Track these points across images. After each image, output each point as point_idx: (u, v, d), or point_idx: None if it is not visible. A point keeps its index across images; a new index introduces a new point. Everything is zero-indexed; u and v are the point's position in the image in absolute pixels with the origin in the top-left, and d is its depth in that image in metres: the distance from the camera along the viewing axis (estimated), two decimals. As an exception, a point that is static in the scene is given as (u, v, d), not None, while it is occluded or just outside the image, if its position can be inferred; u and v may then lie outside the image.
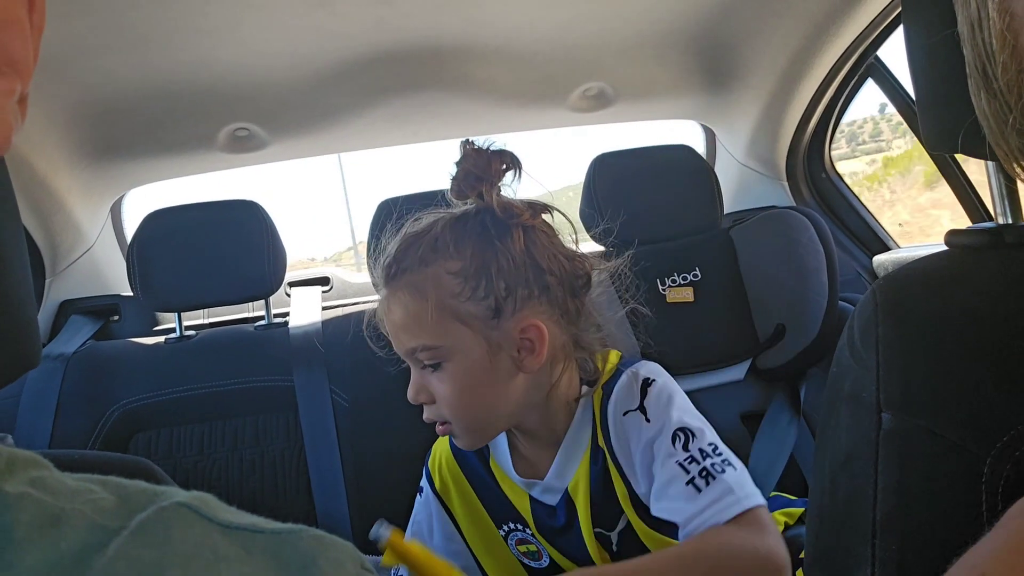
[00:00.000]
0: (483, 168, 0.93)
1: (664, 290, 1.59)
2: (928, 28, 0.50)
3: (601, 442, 0.96)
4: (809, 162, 1.98)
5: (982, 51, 0.40)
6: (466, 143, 0.95)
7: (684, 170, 1.66)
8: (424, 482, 1.11)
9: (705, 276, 1.60)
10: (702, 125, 2.14)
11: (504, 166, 0.93)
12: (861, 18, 1.46)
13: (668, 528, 0.92)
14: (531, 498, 1.02)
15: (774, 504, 1.19)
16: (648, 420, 0.93)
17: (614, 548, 0.99)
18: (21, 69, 0.28)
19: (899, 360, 0.49)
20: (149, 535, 0.28)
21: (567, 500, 0.99)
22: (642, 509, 0.95)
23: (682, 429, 0.91)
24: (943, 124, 0.51)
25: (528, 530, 1.03)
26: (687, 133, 2.20)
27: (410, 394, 0.93)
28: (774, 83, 1.76)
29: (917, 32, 0.53)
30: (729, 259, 1.64)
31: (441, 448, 1.11)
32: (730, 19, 1.60)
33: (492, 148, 0.94)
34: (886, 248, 1.88)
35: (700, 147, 2.19)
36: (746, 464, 1.25)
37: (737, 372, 1.55)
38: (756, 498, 0.84)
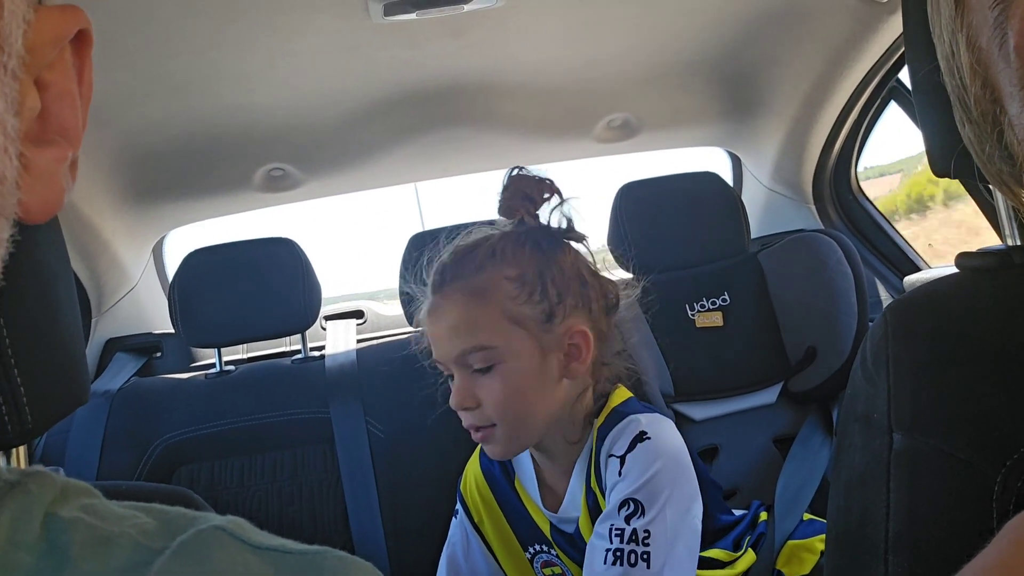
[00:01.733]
0: (532, 190, 1.01)
1: (693, 315, 1.60)
2: (923, 60, 0.51)
3: (594, 483, 0.98)
4: (836, 185, 1.98)
5: (958, 83, 0.42)
6: (514, 169, 1.02)
7: (710, 197, 1.68)
8: (458, 504, 1.14)
9: (734, 300, 1.61)
10: (728, 151, 2.15)
11: (548, 193, 1.01)
12: (880, 43, 1.47)
13: None
14: (551, 525, 1.04)
15: (807, 528, 1.19)
16: (620, 474, 0.94)
17: None
18: (72, 137, 0.31)
19: (909, 381, 0.50)
20: (189, 555, 0.31)
21: (579, 531, 1.01)
22: None
23: (634, 500, 0.91)
24: (940, 149, 0.52)
25: (553, 551, 1.04)
26: (713, 159, 2.22)
27: (455, 400, 0.96)
28: (797, 108, 1.77)
29: (915, 64, 0.55)
30: (758, 283, 1.65)
31: (472, 471, 1.14)
32: (751, 47, 1.62)
33: (539, 175, 1.02)
34: (917, 269, 1.87)
35: (726, 173, 2.21)
36: (776, 487, 1.25)
37: (769, 395, 1.54)
38: None
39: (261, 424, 1.53)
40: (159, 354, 1.92)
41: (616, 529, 0.90)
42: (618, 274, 1.67)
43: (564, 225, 1.02)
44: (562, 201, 1.02)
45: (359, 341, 1.78)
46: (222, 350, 1.67)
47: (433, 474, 1.45)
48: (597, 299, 1.01)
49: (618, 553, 0.89)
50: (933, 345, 0.51)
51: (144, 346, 1.92)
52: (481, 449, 1.19)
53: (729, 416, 1.52)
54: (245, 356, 2.05)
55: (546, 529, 1.05)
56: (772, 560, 1.10)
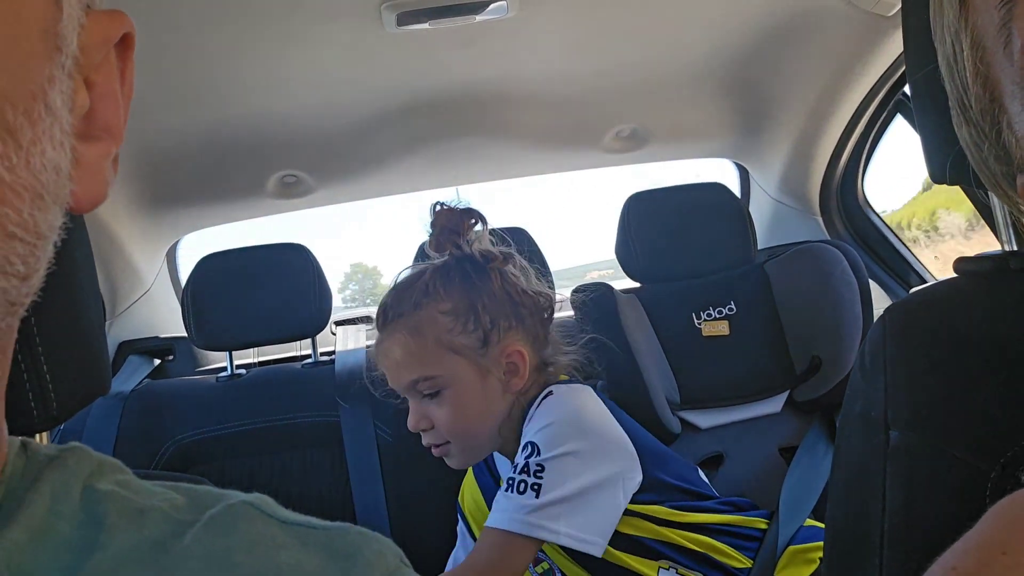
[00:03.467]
0: (456, 224, 1.11)
1: (699, 324, 1.61)
2: (920, 65, 0.53)
3: None
4: (843, 196, 1.99)
5: (958, 83, 0.43)
6: (437, 205, 1.12)
7: (717, 207, 1.70)
8: (459, 518, 1.17)
9: (740, 310, 1.62)
10: (735, 163, 2.17)
11: (473, 221, 1.12)
12: (886, 56, 1.49)
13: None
14: None
15: (808, 533, 1.19)
16: (528, 423, 1.06)
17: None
18: (115, 134, 0.34)
19: (905, 379, 0.51)
20: (219, 526, 0.33)
21: None
22: None
23: (532, 442, 1.00)
24: (937, 155, 0.54)
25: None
26: (721, 170, 2.23)
27: (411, 423, 1.06)
28: (804, 120, 1.79)
29: (914, 70, 0.56)
30: (764, 293, 1.66)
31: (468, 482, 1.18)
32: (758, 60, 1.64)
33: (461, 207, 1.13)
34: (923, 281, 1.88)
35: (734, 184, 2.22)
36: (780, 494, 1.26)
37: (774, 405, 1.56)
38: (518, 526, 0.95)
39: (271, 426, 1.55)
40: (171, 357, 1.95)
41: (514, 464, 1.01)
42: (624, 283, 1.70)
43: (486, 253, 1.11)
44: (484, 226, 1.13)
45: (369, 346, 1.80)
46: (233, 354, 1.69)
47: (440, 478, 1.46)
48: (531, 314, 1.11)
49: (510, 481, 0.99)
50: (929, 345, 0.52)
51: (157, 349, 1.94)
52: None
53: (735, 424, 1.53)
54: (256, 360, 2.07)
55: None
56: (772, 565, 1.11)
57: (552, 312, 1.15)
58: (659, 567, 1.06)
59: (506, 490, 0.99)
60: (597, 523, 0.98)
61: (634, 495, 1.04)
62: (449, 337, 1.05)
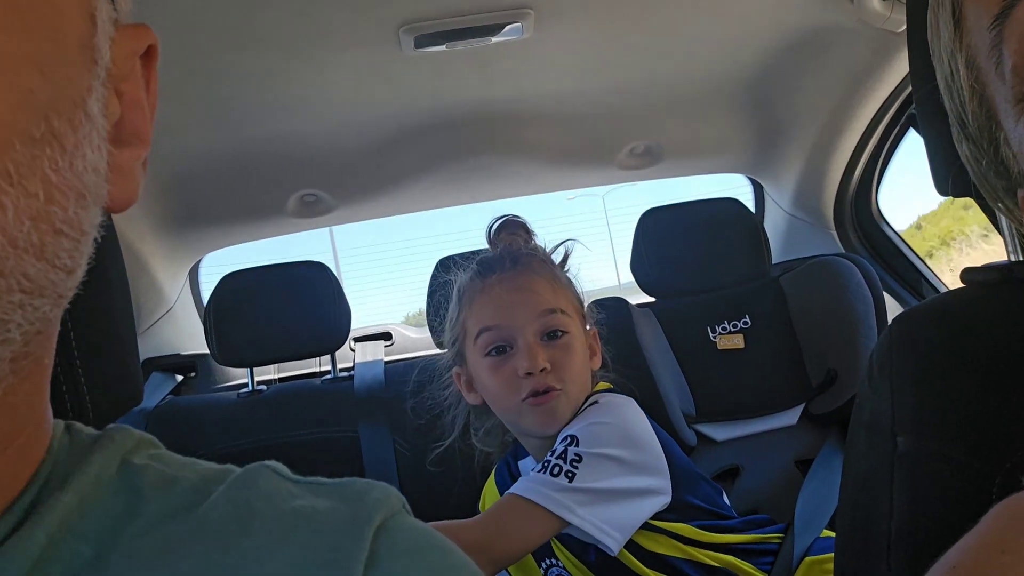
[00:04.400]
0: (525, 234, 1.24)
1: (715, 337, 1.62)
2: (924, 83, 0.55)
3: None
4: (857, 210, 2.00)
5: (956, 101, 0.45)
6: (496, 221, 1.25)
7: (731, 222, 1.71)
8: None
9: (755, 323, 1.63)
10: (749, 178, 2.18)
11: (526, 233, 1.25)
12: (898, 71, 1.50)
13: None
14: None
15: (825, 544, 1.20)
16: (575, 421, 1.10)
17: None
18: (144, 139, 0.37)
19: (912, 387, 0.53)
20: (240, 483, 0.37)
21: None
22: None
23: (573, 435, 1.05)
24: (942, 168, 0.55)
25: (561, 563, 1.08)
26: (736, 185, 2.25)
27: (529, 362, 1.08)
28: (817, 135, 1.80)
29: (918, 86, 0.58)
30: (779, 306, 1.67)
31: (489, 492, 1.18)
32: (771, 76, 1.66)
33: (516, 220, 1.26)
34: (938, 292, 1.88)
35: (748, 199, 2.23)
36: (795, 507, 1.27)
37: (790, 417, 1.56)
38: (543, 499, 0.97)
39: (292, 442, 1.57)
40: (194, 374, 1.98)
41: (552, 451, 1.04)
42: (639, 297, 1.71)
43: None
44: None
45: (387, 363, 1.82)
46: (254, 370, 1.72)
47: (460, 493, 1.48)
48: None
49: (544, 463, 1.02)
50: (935, 354, 0.53)
51: (179, 366, 1.97)
52: (496, 469, 1.23)
53: (750, 437, 1.54)
54: (276, 376, 2.10)
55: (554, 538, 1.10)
56: None
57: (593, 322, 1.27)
58: None
59: (538, 470, 1.02)
60: (620, 522, 1.00)
61: (662, 513, 1.06)
62: (572, 297, 1.19)
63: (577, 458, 1.00)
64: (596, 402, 1.12)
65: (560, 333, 1.12)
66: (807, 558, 1.16)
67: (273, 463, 0.40)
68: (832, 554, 1.15)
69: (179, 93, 1.35)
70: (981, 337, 0.53)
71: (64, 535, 0.32)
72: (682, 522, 1.08)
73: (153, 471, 0.37)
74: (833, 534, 1.23)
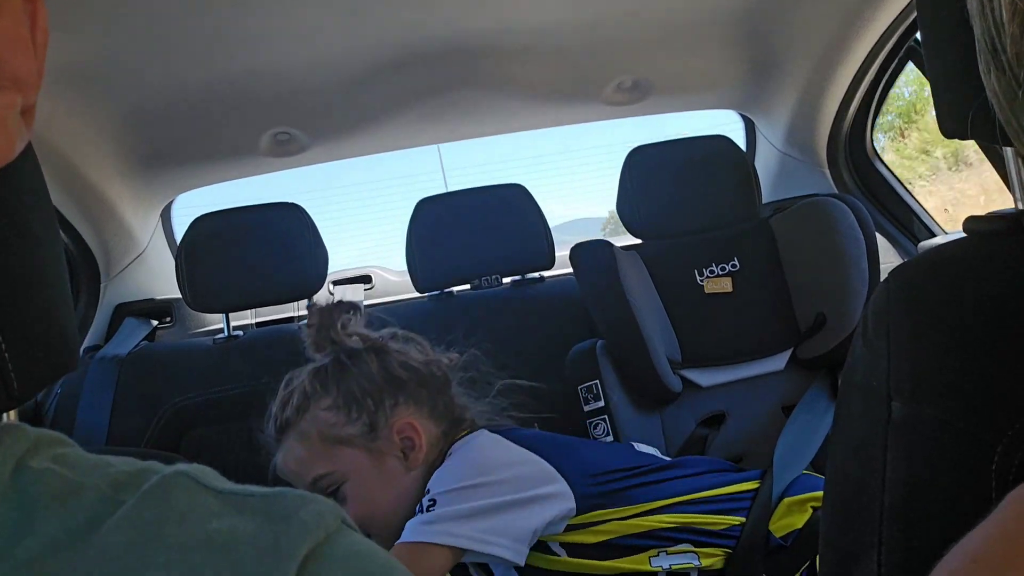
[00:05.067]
0: (329, 320, 1.16)
1: (702, 281, 1.58)
2: (939, 7, 0.49)
3: None
4: (851, 149, 1.94)
5: (991, 23, 0.39)
6: (309, 305, 1.17)
7: (721, 161, 1.65)
8: None
9: (744, 266, 1.59)
10: (740, 114, 2.12)
11: (348, 313, 1.18)
12: (896, 2, 1.43)
13: None
14: None
15: (803, 482, 1.19)
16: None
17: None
18: (24, 84, 0.30)
19: (910, 348, 0.49)
20: (150, 500, 0.31)
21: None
22: None
23: (427, 490, 1.04)
24: (955, 108, 0.50)
25: None
26: (726, 122, 2.18)
27: None
28: (811, 69, 1.73)
29: (929, 12, 0.52)
30: (769, 249, 1.63)
31: None
32: (763, 7, 1.58)
33: (333, 303, 1.20)
34: (931, 234, 1.84)
35: (739, 136, 2.17)
36: (776, 447, 1.26)
37: (778, 362, 1.53)
38: (417, 535, 0.97)
39: (269, 388, 1.53)
40: (168, 319, 1.93)
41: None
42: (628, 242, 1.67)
43: (361, 338, 1.16)
44: (358, 313, 1.20)
45: (367, 306, 1.78)
46: (230, 316, 1.68)
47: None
48: (422, 384, 1.15)
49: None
50: (936, 310, 0.49)
51: (153, 311, 1.93)
52: None
53: (737, 383, 1.52)
54: (253, 322, 2.06)
55: None
56: (766, 519, 1.11)
57: (447, 380, 1.19)
58: (648, 557, 1.05)
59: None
60: (505, 530, 0.98)
61: (582, 512, 1.05)
62: (334, 431, 1.08)
63: (432, 502, 1.00)
64: (450, 455, 1.10)
65: (335, 489, 1.07)
66: (785, 499, 1.15)
67: (195, 468, 0.34)
68: (811, 494, 1.16)
69: (137, 26, 1.27)
70: (986, 294, 0.49)
71: None
72: (607, 508, 1.07)
73: (53, 477, 0.32)
74: (815, 474, 1.23)
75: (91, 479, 0.32)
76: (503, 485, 1.02)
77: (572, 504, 1.04)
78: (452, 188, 1.76)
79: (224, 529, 0.31)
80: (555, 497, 1.04)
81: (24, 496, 0.31)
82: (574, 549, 1.05)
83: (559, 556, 1.05)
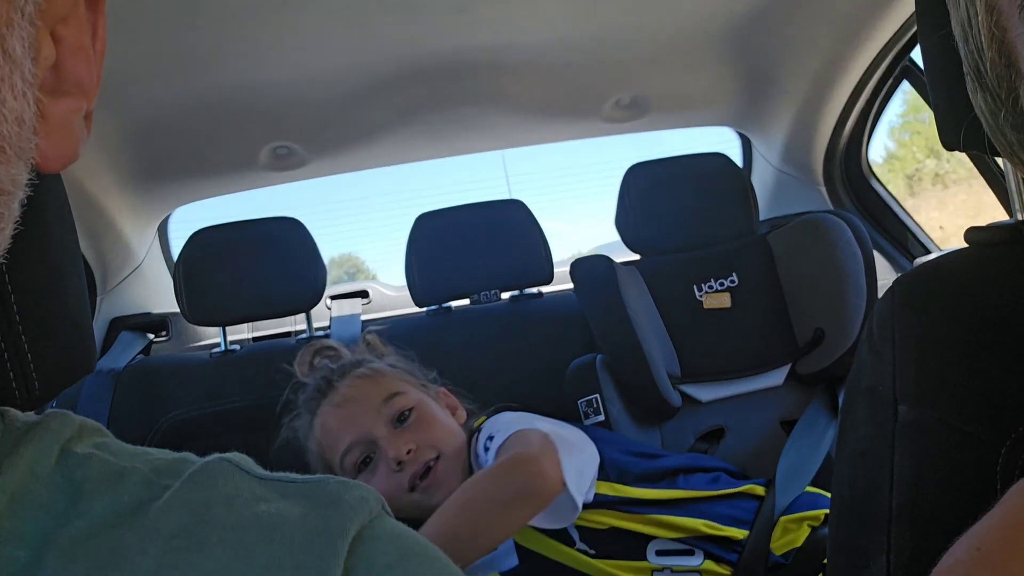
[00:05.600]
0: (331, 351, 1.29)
1: (701, 296, 1.59)
2: (934, 29, 0.51)
3: None
4: (847, 166, 1.96)
5: (973, 48, 0.42)
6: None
7: (719, 177, 1.67)
8: None
9: (742, 282, 1.60)
10: (737, 131, 2.14)
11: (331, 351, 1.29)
12: (892, 22, 1.45)
13: None
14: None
15: (805, 499, 1.19)
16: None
17: (591, 551, 1.09)
18: (87, 90, 0.32)
19: (915, 353, 0.50)
20: (197, 482, 0.33)
21: (522, 550, 1.11)
22: None
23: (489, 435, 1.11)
24: (950, 122, 0.52)
25: None
26: (723, 139, 2.20)
27: (396, 451, 1.08)
28: (808, 88, 1.75)
29: (927, 33, 0.54)
30: (767, 264, 1.64)
31: None
32: (761, 25, 1.60)
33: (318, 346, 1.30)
34: (927, 251, 1.86)
35: (736, 153, 2.19)
36: (778, 464, 1.27)
37: (776, 377, 1.54)
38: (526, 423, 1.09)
39: (266, 402, 1.53)
40: (165, 333, 1.92)
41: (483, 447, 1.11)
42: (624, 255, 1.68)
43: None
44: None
45: (364, 321, 1.78)
46: (227, 329, 1.67)
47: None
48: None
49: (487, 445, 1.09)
50: (939, 318, 0.51)
51: (149, 325, 1.92)
52: None
53: (736, 398, 1.52)
54: (249, 336, 2.05)
55: None
56: (768, 535, 1.11)
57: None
58: (653, 550, 1.07)
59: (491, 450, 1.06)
60: (583, 470, 1.07)
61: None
62: (402, 375, 1.20)
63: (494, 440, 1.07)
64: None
65: (407, 412, 1.12)
66: (783, 518, 1.15)
67: (236, 456, 0.36)
68: (811, 512, 1.16)
69: (139, 39, 1.28)
70: (987, 301, 0.51)
71: None
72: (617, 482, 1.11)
73: (98, 462, 0.33)
74: (814, 489, 1.23)
75: (133, 464, 0.34)
76: (562, 432, 1.08)
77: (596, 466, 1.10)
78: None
79: (272, 512, 0.32)
80: (594, 455, 1.10)
81: (70, 480, 0.32)
82: (586, 534, 1.07)
83: (573, 543, 1.08)
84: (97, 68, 0.33)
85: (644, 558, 1.06)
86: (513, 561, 1.08)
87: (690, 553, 1.08)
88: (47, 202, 0.54)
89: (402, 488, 1.07)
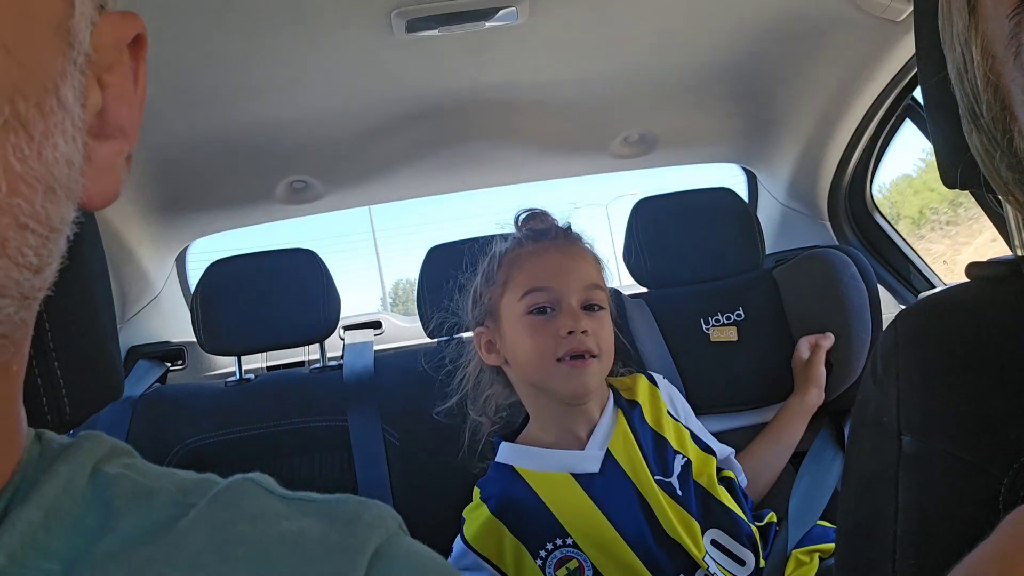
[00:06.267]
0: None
1: (708, 330, 1.61)
2: (933, 72, 0.53)
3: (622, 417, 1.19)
4: (851, 201, 1.99)
5: (969, 91, 0.43)
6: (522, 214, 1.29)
7: (725, 212, 1.69)
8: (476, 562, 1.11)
9: (749, 316, 1.62)
10: (743, 167, 2.17)
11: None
12: (895, 61, 1.49)
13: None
14: (574, 476, 1.10)
15: (816, 533, 1.20)
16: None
17: (678, 492, 1.11)
18: (129, 134, 0.34)
19: (918, 385, 0.51)
20: (222, 501, 0.34)
21: (609, 460, 1.12)
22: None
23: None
24: (950, 160, 0.54)
25: (569, 539, 1.06)
26: (729, 174, 2.23)
27: (574, 323, 1.12)
28: (812, 125, 1.79)
29: (926, 76, 0.56)
30: (773, 299, 1.66)
31: (478, 521, 1.12)
32: (766, 65, 1.64)
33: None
34: (931, 286, 1.87)
35: (742, 189, 2.22)
36: (789, 499, 1.27)
37: (783, 410, 1.55)
38: None
39: (280, 431, 1.55)
40: (181, 362, 1.95)
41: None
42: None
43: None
44: None
45: (377, 351, 1.80)
46: (242, 359, 1.70)
47: (448, 481, 1.47)
48: None
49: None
50: (942, 351, 0.52)
51: (166, 354, 1.95)
52: (479, 484, 1.20)
53: (743, 430, 1.53)
54: (263, 365, 2.08)
55: (568, 492, 1.10)
56: (782, 568, 1.12)
57: None
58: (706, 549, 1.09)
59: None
60: None
61: None
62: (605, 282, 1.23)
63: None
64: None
65: (599, 307, 1.17)
66: (794, 551, 1.16)
67: (259, 476, 0.37)
68: (819, 546, 1.17)
69: (165, 76, 1.33)
70: (989, 334, 0.52)
71: (28, 553, 0.29)
72: None
73: (127, 481, 0.35)
74: (826, 524, 1.24)
75: (160, 484, 0.35)
76: None
77: None
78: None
79: (294, 529, 0.33)
80: None
81: (101, 497, 0.33)
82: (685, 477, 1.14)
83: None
84: (138, 112, 0.35)
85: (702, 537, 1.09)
86: (594, 467, 1.11)
87: (741, 563, 1.09)
88: (83, 236, 0.57)
89: (553, 353, 1.12)
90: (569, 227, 1.25)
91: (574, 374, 1.11)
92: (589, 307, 1.16)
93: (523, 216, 1.28)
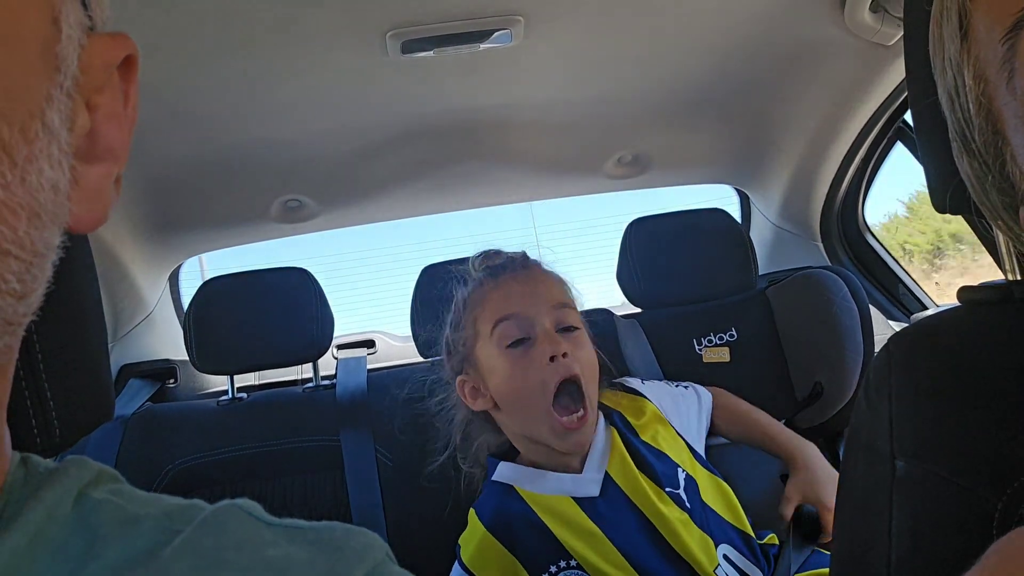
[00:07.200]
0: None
1: (700, 350, 1.61)
2: (923, 96, 0.54)
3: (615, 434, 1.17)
4: (843, 222, 2.00)
5: (960, 116, 0.43)
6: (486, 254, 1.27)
7: (718, 233, 1.70)
8: None
9: (741, 336, 1.62)
10: (736, 188, 2.18)
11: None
12: (886, 85, 1.50)
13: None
14: (575, 500, 1.08)
15: (813, 560, 1.19)
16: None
17: (687, 505, 1.09)
18: (118, 155, 0.34)
19: (911, 409, 0.51)
20: (208, 528, 0.34)
21: (609, 483, 1.10)
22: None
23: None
24: (940, 184, 0.54)
25: (573, 560, 1.05)
26: (721, 195, 2.24)
27: (552, 348, 1.09)
28: (805, 147, 1.80)
29: (917, 100, 0.57)
30: (765, 319, 1.66)
31: (474, 542, 1.12)
32: (759, 87, 1.66)
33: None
34: (923, 307, 1.88)
35: (735, 210, 2.23)
36: (779, 521, 1.27)
37: (776, 431, 1.55)
38: None
39: (272, 450, 1.54)
40: (173, 381, 1.94)
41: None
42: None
43: None
44: None
45: (370, 370, 1.80)
46: (235, 377, 1.69)
47: (441, 501, 1.46)
48: None
49: None
50: (934, 375, 0.52)
51: (158, 372, 1.94)
52: (475, 507, 1.19)
53: (735, 450, 1.53)
54: (257, 383, 2.07)
55: (570, 518, 1.08)
56: None
57: None
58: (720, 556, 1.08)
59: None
60: None
61: None
62: (574, 302, 1.21)
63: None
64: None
65: (574, 328, 1.14)
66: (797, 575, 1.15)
67: (245, 502, 0.37)
68: (817, 570, 1.16)
69: (158, 97, 1.33)
70: (981, 359, 0.52)
71: None
72: None
73: (112, 507, 0.34)
74: (821, 550, 1.23)
75: (146, 510, 0.35)
76: None
77: None
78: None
79: (280, 556, 0.33)
80: None
81: (86, 524, 0.33)
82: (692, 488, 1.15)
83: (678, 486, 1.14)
84: (128, 133, 0.35)
85: (718, 548, 1.08)
86: (594, 490, 1.09)
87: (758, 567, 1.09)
88: (74, 257, 0.57)
89: (544, 391, 1.08)
90: (525, 255, 1.24)
91: (569, 435, 1.08)
92: (564, 329, 1.13)
93: (478, 259, 1.27)
